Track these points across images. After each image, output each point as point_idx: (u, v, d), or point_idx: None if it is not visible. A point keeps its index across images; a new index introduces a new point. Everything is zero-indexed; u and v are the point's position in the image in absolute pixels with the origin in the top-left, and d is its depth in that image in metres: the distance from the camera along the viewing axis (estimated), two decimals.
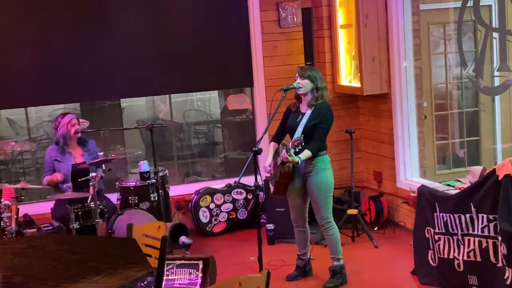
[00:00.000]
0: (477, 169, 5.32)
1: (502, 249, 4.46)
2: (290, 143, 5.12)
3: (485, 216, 4.65)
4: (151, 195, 6.29)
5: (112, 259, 3.56)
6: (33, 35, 6.75)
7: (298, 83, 5.33)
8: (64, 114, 6.32)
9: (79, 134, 6.21)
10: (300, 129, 5.29)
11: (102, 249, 3.84)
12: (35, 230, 5.87)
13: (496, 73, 5.80)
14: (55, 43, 6.78)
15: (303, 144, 5.09)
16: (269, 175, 5.61)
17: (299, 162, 5.17)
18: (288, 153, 5.08)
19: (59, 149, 6.20)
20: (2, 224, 5.49)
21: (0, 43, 6.65)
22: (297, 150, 5.11)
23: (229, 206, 7.10)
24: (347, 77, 7.14)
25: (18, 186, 5.81)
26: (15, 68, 6.71)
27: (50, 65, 6.79)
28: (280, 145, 5.45)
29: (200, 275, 5.13)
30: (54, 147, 6.27)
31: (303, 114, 5.35)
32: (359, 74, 6.77)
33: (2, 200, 5.55)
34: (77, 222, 5.83)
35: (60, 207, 6.11)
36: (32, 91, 6.83)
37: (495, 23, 6.16)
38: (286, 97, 5.34)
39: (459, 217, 4.86)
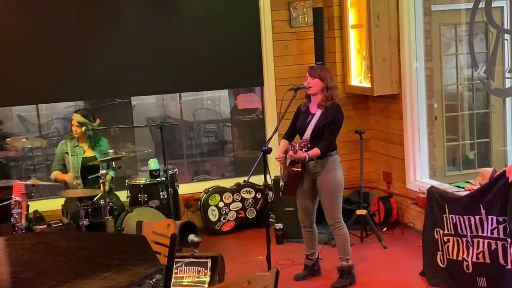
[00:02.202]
0: (487, 171, 5.31)
1: None
2: (297, 144, 5.11)
3: (494, 218, 4.64)
4: (161, 193, 6.31)
5: (122, 256, 3.58)
6: (44, 33, 6.77)
7: (308, 82, 5.33)
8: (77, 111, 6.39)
9: (79, 131, 6.24)
10: (309, 130, 5.28)
11: (112, 245, 3.86)
12: (45, 226, 5.89)
13: (507, 75, 5.78)
14: (66, 41, 6.79)
15: (309, 145, 5.08)
16: (279, 171, 5.59)
17: (306, 157, 5.16)
18: (295, 151, 5.07)
19: (70, 140, 6.27)
20: (13, 220, 5.51)
21: (12, 41, 6.68)
22: (304, 151, 5.10)
23: (238, 205, 7.11)
24: (358, 77, 7.13)
25: (29, 182, 5.84)
26: (26, 66, 6.74)
27: (61, 63, 6.81)
28: (289, 145, 5.44)
29: (209, 273, 5.15)
30: (65, 141, 6.34)
31: (313, 114, 5.34)
32: (369, 75, 6.76)
33: (12, 196, 5.58)
34: (87, 219, 5.86)
35: (70, 204, 6.15)
36: (43, 88, 6.85)
37: (507, 25, 6.14)
38: (296, 96, 5.34)
39: (469, 219, 4.85)
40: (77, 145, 6.30)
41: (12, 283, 3.28)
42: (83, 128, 6.24)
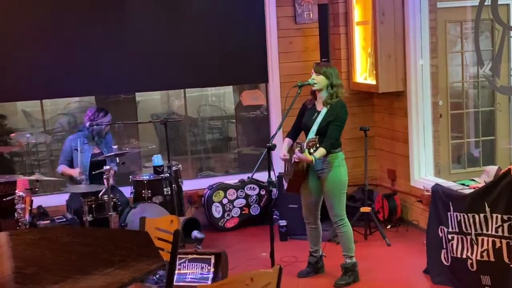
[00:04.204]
0: (492, 169, 5.29)
1: None
2: (305, 144, 5.09)
3: (499, 216, 4.62)
4: (164, 189, 6.30)
5: (124, 252, 3.56)
6: (50, 29, 6.78)
7: (313, 79, 5.31)
8: (106, 113, 6.39)
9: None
10: (315, 128, 5.26)
11: (115, 241, 3.84)
12: (48, 222, 5.89)
13: None
14: (71, 37, 6.80)
15: (318, 145, 5.05)
16: (283, 167, 5.59)
17: (314, 161, 5.15)
18: (303, 153, 5.05)
19: (83, 137, 6.26)
20: (16, 216, 5.51)
21: (17, 37, 6.68)
22: (312, 151, 5.08)
23: (242, 201, 7.10)
24: (363, 74, 7.11)
25: (33, 177, 5.84)
26: (31, 62, 6.74)
27: (66, 58, 6.81)
28: (295, 143, 5.42)
29: (212, 269, 5.14)
30: (75, 136, 6.33)
31: (319, 112, 5.32)
32: (374, 72, 6.74)
33: (16, 191, 5.58)
34: (91, 215, 5.86)
35: (74, 200, 6.15)
36: (48, 84, 6.86)
37: None
38: (301, 93, 5.32)
39: (473, 217, 4.83)
40: (86, 142, 6.31)
41: (15, 278, 3.28)
42: None
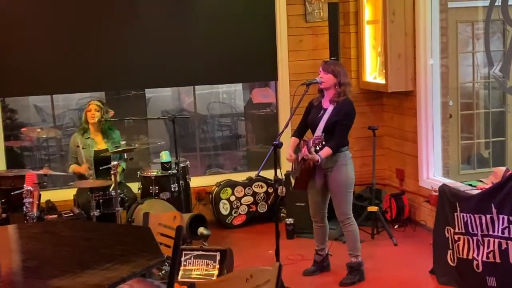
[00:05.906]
0: (500, 170, 5.26)
1: None
2: (311, 141, 5.08)
3: (506, 217, 4.59)
4: (172, 185, 6.31)
5: (125, 247, 3.58)
6: (61, 24, 6.81)
7: (321, 77, 5.30)
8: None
9: (97, 115, 6.29)
10: (321, 125, 5.25)
11: (116, 236, 3.86)
12: (55, 216, 5.92)
13: None
14: (82, 32, 6.83)
15: (323, 142, 5.04)
16: (291, 165, 5.58)
17: (319, 160, 5.14)
18: (309, 151, 5.04)
19: (81, 133, 6.31)
20: (24, 210, 5.55)
21: (28, 32, 6.72)
22: (318, 148, 5.07)
23: (250, 199, 7.10)
24: (372, 73, 7.09)
25: (41, 172, 5.87)
26: (43, 57, 6.78)
27: (76, 54, 6.84)
28: (302, 140, 5.42)
29: (217, 266, 5.15)
30: (76, 134, 6.39)
31: (325, 109, 5.31)
32: (384, 71, 6.72)
33: (24, 185, 5.61)
34: (98, 210, 5.89)
35: (81, 194, 6.18)
36: (59, 79, 6.90)
37: None
38: (309, 92, 5.31)
39: (480, 218, 4.80)
40: (89, 137, 6.33)
41: (16, 271, 3.30)
42: (100, 114, 6.27)
